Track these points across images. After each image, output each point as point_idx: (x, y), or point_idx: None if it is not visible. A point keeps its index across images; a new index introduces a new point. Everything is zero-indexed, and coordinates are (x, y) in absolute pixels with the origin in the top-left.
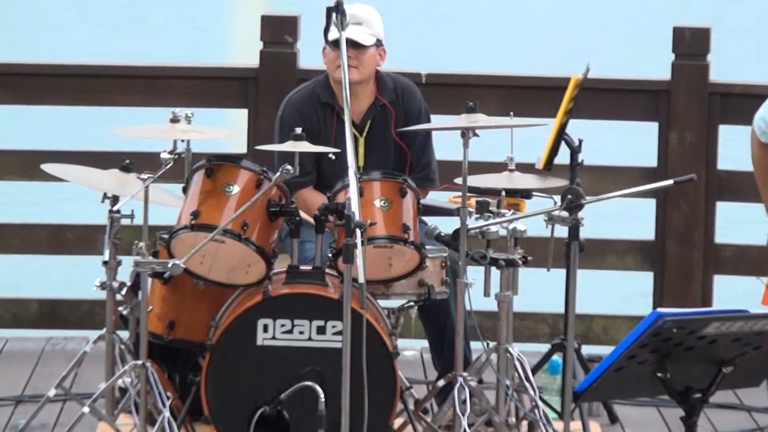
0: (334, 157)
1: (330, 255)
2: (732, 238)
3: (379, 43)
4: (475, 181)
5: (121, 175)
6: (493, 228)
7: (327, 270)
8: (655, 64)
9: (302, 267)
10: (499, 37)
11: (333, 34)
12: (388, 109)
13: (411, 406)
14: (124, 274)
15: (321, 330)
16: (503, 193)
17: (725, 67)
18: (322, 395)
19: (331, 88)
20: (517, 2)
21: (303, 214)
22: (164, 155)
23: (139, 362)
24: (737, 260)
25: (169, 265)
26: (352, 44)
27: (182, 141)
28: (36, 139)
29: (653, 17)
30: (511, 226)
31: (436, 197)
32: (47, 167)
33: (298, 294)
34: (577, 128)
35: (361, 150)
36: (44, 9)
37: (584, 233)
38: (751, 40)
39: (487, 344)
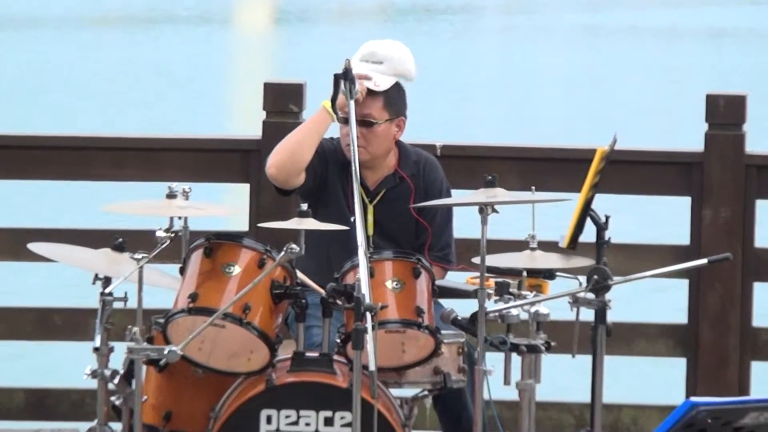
0: (353, 219)
1: (338, 340)
2: None
3: (393, 116)
4: (495, 260)
5: (113, 254)
6: (514, 311)
7: (335, 357)
8: (687, 135)
9: (308, 353)
10: (516, 108)
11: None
12: (407, 183)
13: None
14: (117, 361)
15: (329, 421)
16: (524, 273)
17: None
18: None
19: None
20: (535, 70)
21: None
22: (160, 233)
23: None
24: None
25: (165, 352)
26: (360, 122)
27: (179, 218)
28: (22, 217)
29: (684, 84)
30: (532, 309)
31: (452, 278)
32: (34, 246)
33: (304, 383)
34: (603, 204)
35: (371, 218)
36: (19, 76)
37: (612, 316)
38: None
39: None
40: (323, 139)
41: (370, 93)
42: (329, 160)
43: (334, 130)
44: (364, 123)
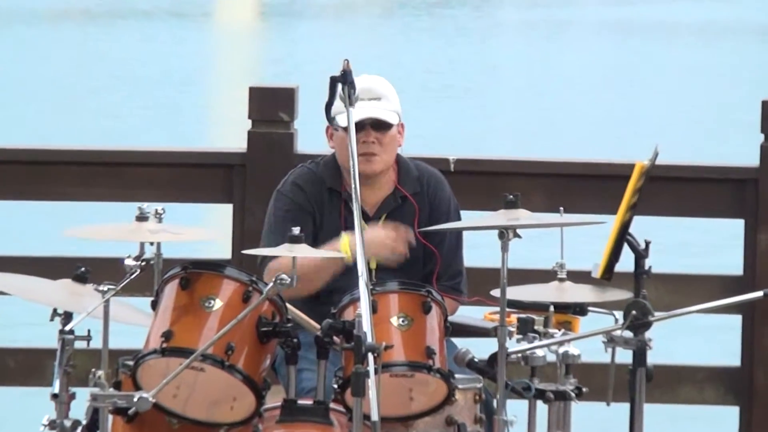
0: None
1: (335, 386)
2: None
3: (398, 118)
4: (517, 293)
5: (75, 286)
6: (540, 352)
7: (332, 405)
8: (739, 147)
9: (301, 401)
10: (540, 116)
11: (342, 114)
12: (411, 202)
13: None
14: (79, 410)
15: None
16: (551, 308)
17: None
18: None
19: (338, 170)
20: (560, 72)
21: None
22: (129, 262)
23: None
24: None
25: (135, 399)
26: (374, 125)
27: (151, 244)
28: None
29: (732, 88)
30: (561, 350)
31: (468, 313)
32: None
33: None
34: (642, 227)
35: None
36: None
37: (653, 358)
38: None
39: None
40: (307, 172)
41: (382, 127)
42: (317, 195)
43: (319, 148)
44: (381, 125)
